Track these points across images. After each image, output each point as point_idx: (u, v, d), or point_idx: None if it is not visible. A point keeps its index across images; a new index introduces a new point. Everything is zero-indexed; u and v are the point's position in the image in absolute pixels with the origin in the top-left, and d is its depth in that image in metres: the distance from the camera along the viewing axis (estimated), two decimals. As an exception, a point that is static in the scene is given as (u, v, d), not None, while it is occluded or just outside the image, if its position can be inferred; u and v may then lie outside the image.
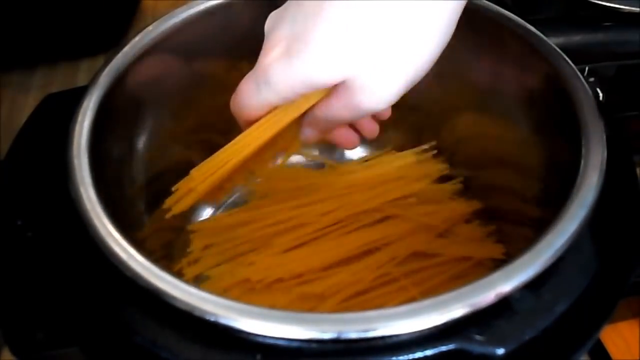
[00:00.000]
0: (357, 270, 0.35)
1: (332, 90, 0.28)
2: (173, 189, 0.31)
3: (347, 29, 0.26)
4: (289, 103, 0.29)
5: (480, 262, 0.36)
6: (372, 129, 0.34)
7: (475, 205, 0.39)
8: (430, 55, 0.27)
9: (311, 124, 0.32)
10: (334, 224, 0.37)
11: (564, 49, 0.32)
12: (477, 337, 0.22)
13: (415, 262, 0.36)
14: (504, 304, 0.23)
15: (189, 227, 0.38)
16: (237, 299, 0.31)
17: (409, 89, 0.27)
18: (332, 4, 0.26)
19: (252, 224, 0.37)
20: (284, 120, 0.30)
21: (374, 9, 0.26)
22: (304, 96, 0.28)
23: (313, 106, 0.30)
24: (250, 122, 0.31)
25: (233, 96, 0.31)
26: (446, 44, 0.27)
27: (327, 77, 0.27)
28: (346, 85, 0.27)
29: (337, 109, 0.29)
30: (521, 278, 0.23)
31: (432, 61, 0.27)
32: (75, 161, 0.28)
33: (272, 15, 0.29)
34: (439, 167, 0.41)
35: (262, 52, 0.29)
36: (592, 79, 0.42)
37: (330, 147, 0.41)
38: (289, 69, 0.27)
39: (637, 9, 0.41)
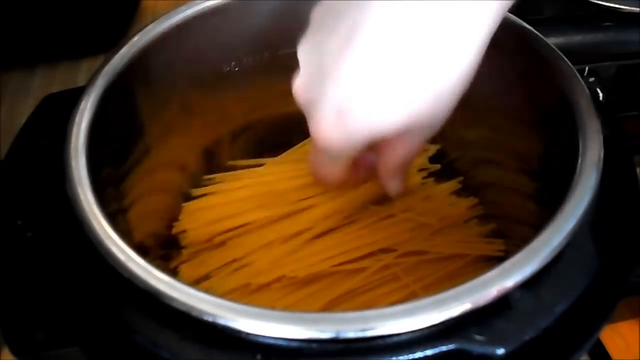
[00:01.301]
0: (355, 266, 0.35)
1: (394, 140, 0.28)
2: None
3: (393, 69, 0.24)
4: None
5: (479, 260, 0.36)
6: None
7: (473, 203, 0.39)
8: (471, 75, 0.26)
9: (390, 174, 0.31)
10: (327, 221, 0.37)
11: (564, 49, 0.32)
12: (477, 337, 0.22)
13: (413, 259, 0.36)
14: (503, 304, 0.23)
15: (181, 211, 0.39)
16: (236, 298, 0.31)
17: None
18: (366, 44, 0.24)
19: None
20: None
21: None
22: None
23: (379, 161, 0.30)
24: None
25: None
26: None
27: (392, 127, 0.25)
28: (410, 130, 0.26)
29: (406, 153, 0.29)
30: (518, 276, 0.23)
31: None
32: (73, 162, 0.28)
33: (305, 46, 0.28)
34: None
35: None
36: (592, 79, 0.42)
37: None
38: (347, 131, 0.26)
39: (637, 9, 0.41)
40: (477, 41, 0.25)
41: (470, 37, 0.24)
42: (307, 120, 0.28)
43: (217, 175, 0.41)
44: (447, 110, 0.26)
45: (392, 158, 0.30)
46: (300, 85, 0.28)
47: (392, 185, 0.32)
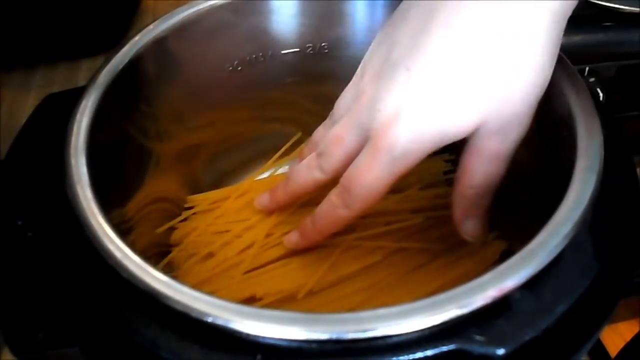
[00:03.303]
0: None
1: (466, 156, 0.27)
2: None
3: (468, 64, 0.25)
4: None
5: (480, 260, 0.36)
6: None
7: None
8: (546, 81, 0.26)
9: (468, 210, 0.28)
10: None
11: (564, 49, 0.32)
12: (477, 337, 0.22)
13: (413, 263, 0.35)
14: (504, 304, 0.23)
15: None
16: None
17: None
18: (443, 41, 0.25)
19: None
20: None
21: (490, 44, 0.24)
22: None
23: (452, 190, 0.28)
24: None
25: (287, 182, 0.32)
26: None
27: (463, 124, 0.25)
28: (481, 134, 0.26)
29: (481, 169, 0.27)
30: (518, 277, 0.23)
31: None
32: (73, 160, 0.28)
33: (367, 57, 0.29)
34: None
35: (368, 106, 0.26)
36: (592, 79, 0.42)
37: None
38: (419, 128, 0.25)
39: (637, 9, 0.41)
40: (545, 42, 0.25)
41: (536, 37, 0.25)
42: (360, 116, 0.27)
43: (218, 179, 0.41)
44: (521, 120, 0.26)
45: (468, 181, 0.27)
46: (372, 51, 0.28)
47: (469, 227, 0.29)
